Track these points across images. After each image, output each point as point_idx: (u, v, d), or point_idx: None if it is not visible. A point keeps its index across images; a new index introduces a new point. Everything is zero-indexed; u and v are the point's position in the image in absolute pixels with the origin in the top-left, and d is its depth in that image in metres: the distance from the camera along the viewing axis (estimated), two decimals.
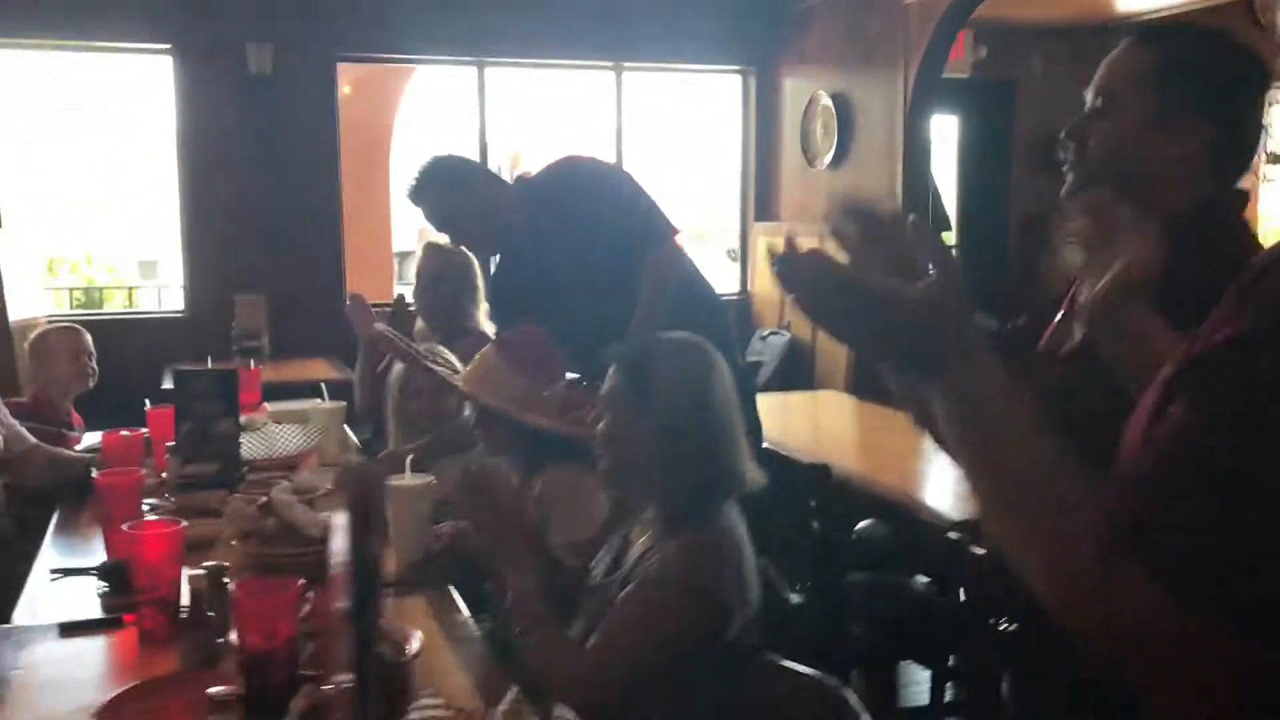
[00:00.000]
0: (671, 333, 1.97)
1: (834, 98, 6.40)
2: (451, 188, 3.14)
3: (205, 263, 6.19)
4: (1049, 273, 7.23)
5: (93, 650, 1.92)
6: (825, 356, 6.19)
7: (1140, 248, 1.24)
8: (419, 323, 3.76)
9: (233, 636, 1.78)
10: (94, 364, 3.77)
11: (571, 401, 2.39)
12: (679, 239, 3.14)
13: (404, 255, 10.10)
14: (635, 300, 2.92)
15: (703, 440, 1.82)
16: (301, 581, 1.65)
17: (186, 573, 1.90)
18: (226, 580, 1.90)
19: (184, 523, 1.97)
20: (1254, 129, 1.53)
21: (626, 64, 6.82)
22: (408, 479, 2.30)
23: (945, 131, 7.31)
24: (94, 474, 2.40)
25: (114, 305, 8.97)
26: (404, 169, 8.91)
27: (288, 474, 3.05)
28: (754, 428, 2.86)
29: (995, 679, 2.29)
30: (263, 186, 6.14)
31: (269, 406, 3.64)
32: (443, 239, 3.62)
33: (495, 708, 1.42)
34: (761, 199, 7.16)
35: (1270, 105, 1.53)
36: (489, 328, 3.55)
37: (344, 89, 6.62)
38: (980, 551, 2.07)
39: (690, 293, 3.05)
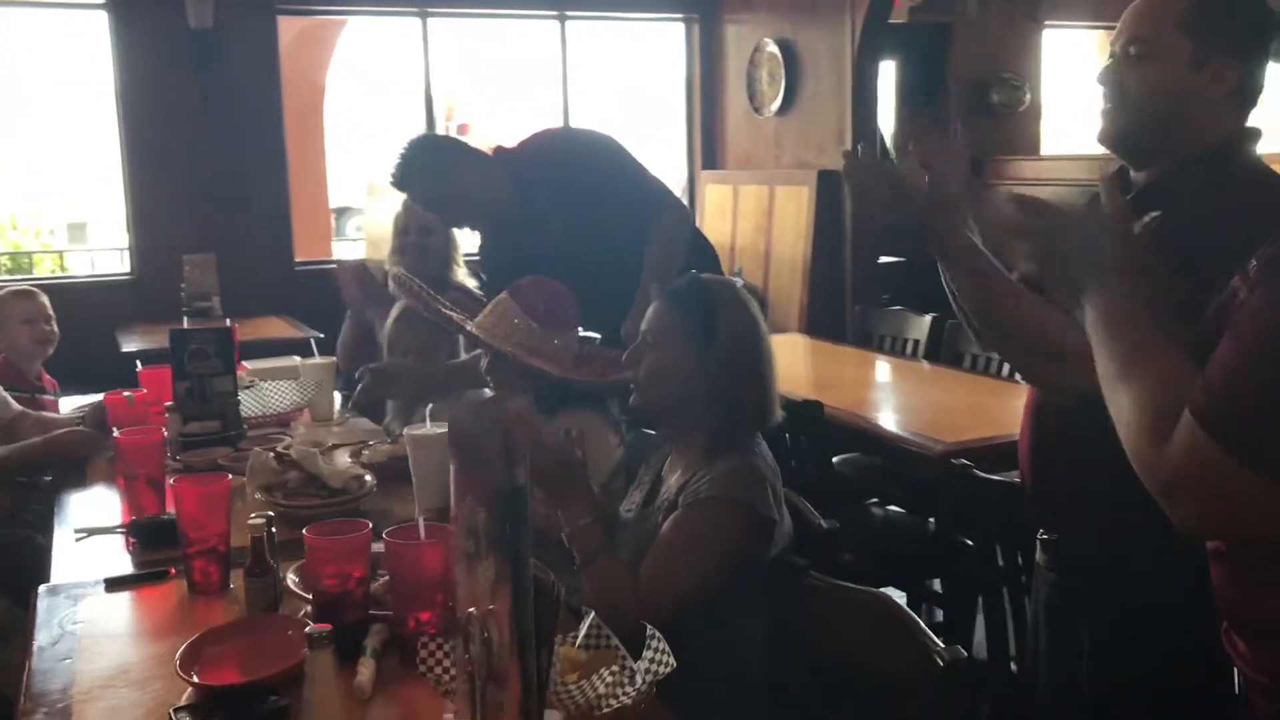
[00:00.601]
0: (707, 274, 2.05)
1: (780, 44, 6.46)
2: (436, 171, 3.07)
3: (151, 223, 6.08)
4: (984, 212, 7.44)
5: (141, 603, 1.96)
6: (778, 301, 6.30)
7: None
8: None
9: (288, 581, 1.85)
10: (53, 327, 3.70)
11: (586, 354, 2.45)
12: (677, 192, 3.17)
13: (341, 211, 9.99)
14: (636, 267, 2.94)
15: (758, 372, 1.94)
16: (370, 526, 1.71)
17: (245, 524, 1.94)
18: (274, 530, 1.95)
19: (230, 476, 2.01)
20: (1265, 68, 1.65)
21: (570, 13, 6.81)
22: (427, 428, 2.35)
23: (884, 76, 7.41)
24: (115, 433, 2.41)
25: (42, 271, 8.74)
26: (340, 125, 8.82)
27: (283, 430, 3.08)
28: None
29: (995, 596, 2.43)
30: (207, 144, 6.04)
31: (248, 365, 3.64)
32: None
33: (573, 634, 1.50)
34: (708, 147, 7.22)
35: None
36: (469, 283, 3.58)
37: None
38: (995, 478, 2.19)
39: (694, 245, 3.11)
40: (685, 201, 7.40)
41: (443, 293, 3.32)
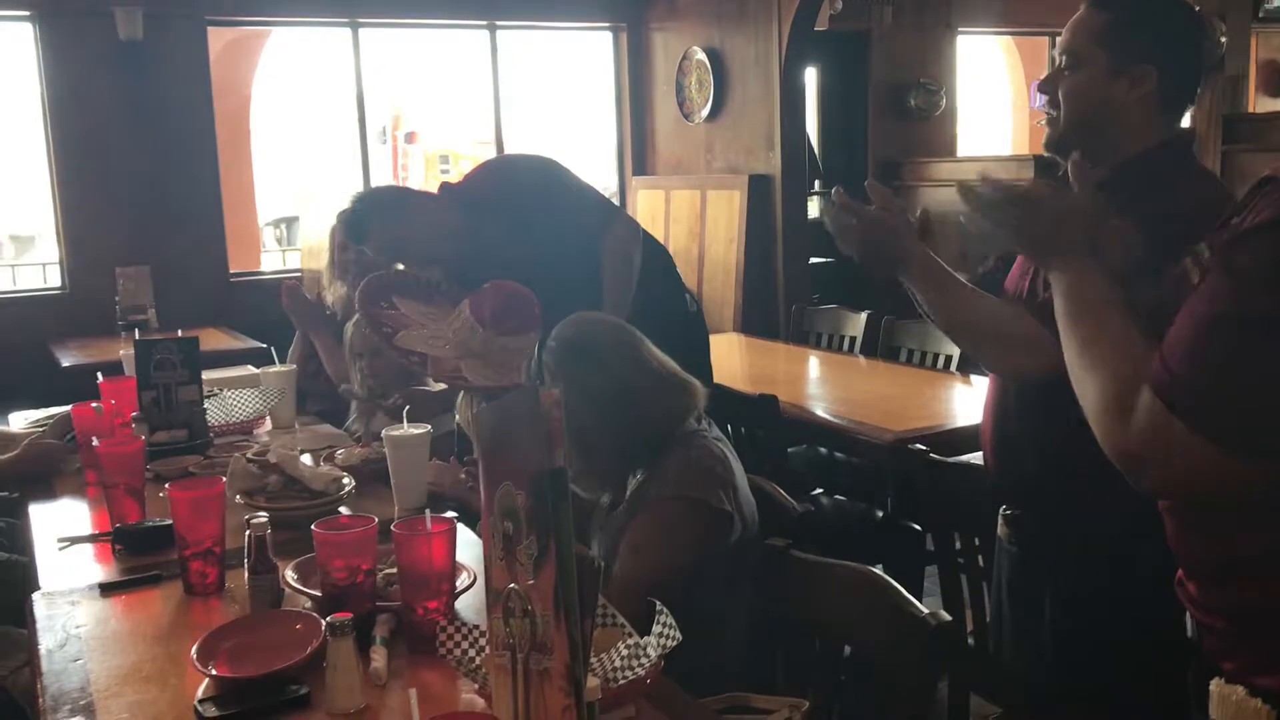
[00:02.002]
0: (559, 324, 2.20)
1: (708, 52, 6.60)
2: (389, 220, 3.08)
3: (83, 236, 6.01)
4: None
5: (139, 606, 1.99)
6: (713, 303, 6.43)
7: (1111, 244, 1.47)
8: (339, 289, 3.77)
9: (288, 578, 1.90)
10: None
11: None
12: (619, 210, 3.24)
13: (291, 221, 9.86)
14: (589, 284, 3.00)
15: (607, 412, 2.05)
16: (376, 520, 1.77)
17: (232, 528, 1.99)
18: (269, 531, 2.00)
19: (224, 478, 2.06)
20: (1194, 69, 1.81)
21: (499, 23, 6.87)
22: (405, 429, 2.42)
23: (808, 82, 7.60)
24: (94, 443, 2.43)
25: None
26: (269, 136, 8.75)
27: (246, 438, 3.11)
28: (705, 365, 3.07)
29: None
30: (139, 155, 5.99)
31: (204, 375, 3.64)
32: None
33: None
34: (638, 154, 7.34)
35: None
36: None
37: None
38: (951, 460, 2.33)
39: (646, 256, 3.20)
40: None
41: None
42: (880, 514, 3.46)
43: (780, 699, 1.69)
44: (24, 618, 1.98)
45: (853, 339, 4.61)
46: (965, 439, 2.86)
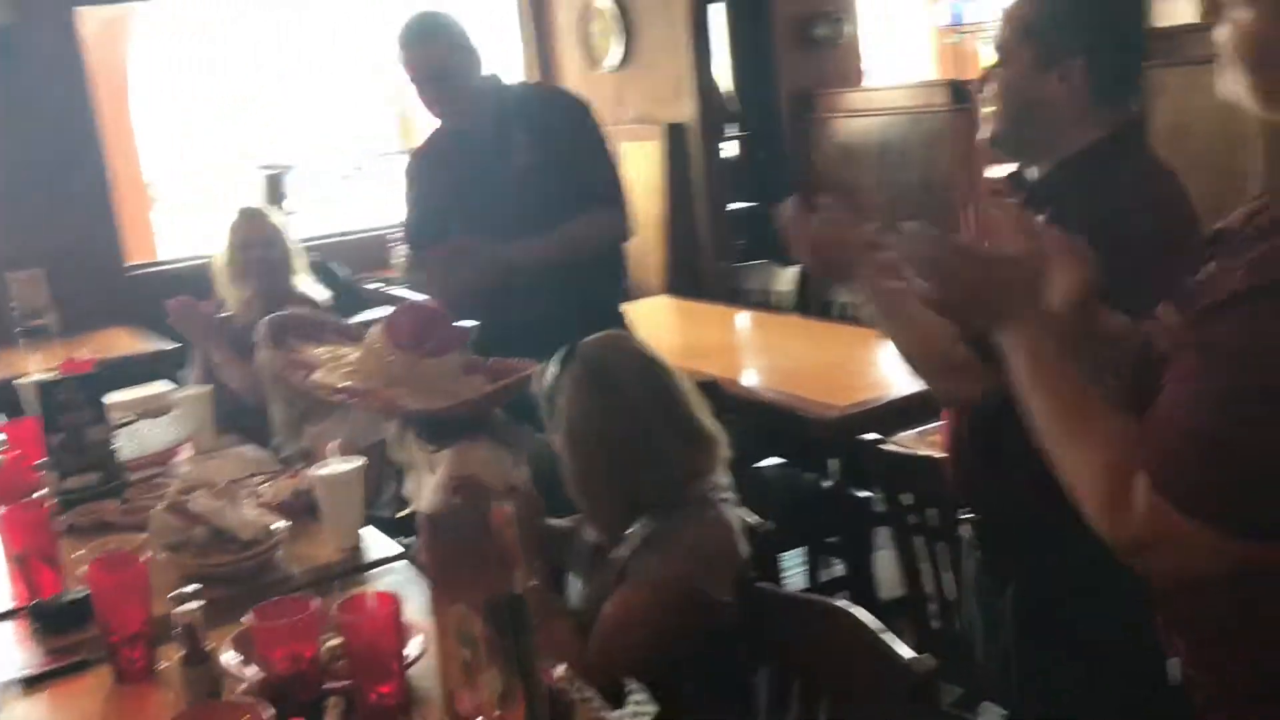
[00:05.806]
0: (586, 341, 1.98)
1: None
2: (464, 44, 3.08)
3: None
4: (820, 144, 7.50)
5: (67, 699, 1.86)
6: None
7: (1068, 271, 1.35)
8: (238, 292, 3.54)
9: (227, 661, 1.76)
10: None
11: (470, 365, 2.32)
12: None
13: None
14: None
15: (621, 456, 1.87)
16: (316, 600, 1.65)
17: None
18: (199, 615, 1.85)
19: (144, 556, 1.91)
20: (1132, 53, 1.72)
21: None
22: (334, 467, 2.28)
23: (716, 22, 7.40)
24: None
25: None
26: (144, 118, 8.31)
27: (163, 469, 2.95)
28: None
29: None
30: (16, 150, 5.64)
31: (117, 397, 3.43)
32: (256, 205, 3.58)
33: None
34: None
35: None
36: (314, 291, 3.45)
37: None
38: (893, 449, 2.27)
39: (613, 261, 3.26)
40: None
41: (285, 305, 3.12)
42: (827, 485, 3.41)
43: None
44: None
45: (783, 294, 4.53)
46: (915, 408, 2.76)
